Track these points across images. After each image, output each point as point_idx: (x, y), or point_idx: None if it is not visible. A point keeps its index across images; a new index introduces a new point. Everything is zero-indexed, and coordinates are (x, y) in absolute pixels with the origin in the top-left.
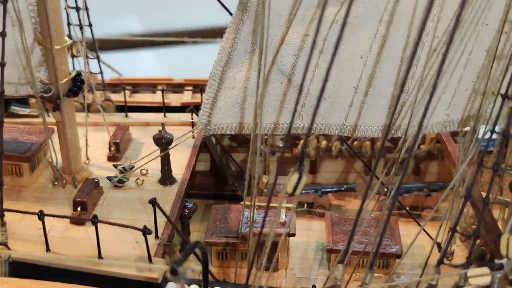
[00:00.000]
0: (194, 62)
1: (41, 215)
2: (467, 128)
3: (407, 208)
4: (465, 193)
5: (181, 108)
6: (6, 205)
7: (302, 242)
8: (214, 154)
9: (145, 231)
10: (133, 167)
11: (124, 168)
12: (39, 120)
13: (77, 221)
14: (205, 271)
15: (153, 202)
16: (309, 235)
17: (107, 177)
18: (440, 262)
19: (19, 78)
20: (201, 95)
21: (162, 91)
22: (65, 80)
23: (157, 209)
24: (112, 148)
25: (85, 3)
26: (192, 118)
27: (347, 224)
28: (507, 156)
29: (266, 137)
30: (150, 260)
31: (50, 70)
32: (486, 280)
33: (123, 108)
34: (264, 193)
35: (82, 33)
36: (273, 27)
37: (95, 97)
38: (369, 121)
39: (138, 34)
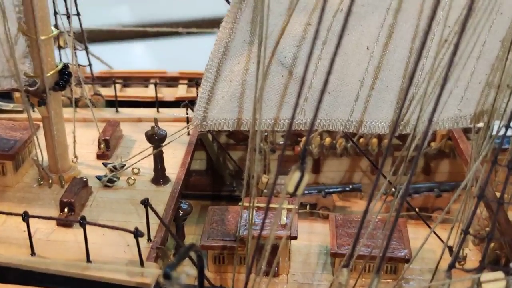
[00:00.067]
0: (189, 54)
1: (25, 217)
2: (481, 124)
3: (416, 209)
4: (478, 193)
5: (175, 103)
6: None
7: (305, 246)
8: (211, 152)
9: (137, 234)
10: (124, 165)
11: (114, 167)
12: (24, 115)
13: (64, 223)
14: (201, 276)
15: (145, 203)
16: (311, 238)
17: (96, 176)
18: (451, 266)
19: (2, 70)
20: (197, 89)
21: (155, 84)
22: (51, 72)
23: (149, 210)
24: (102, 146)
25: None
26: (187, 114)
27: (352, 226)
28: None
29: (266, 133)
30: (142, 264)
31: (35, 62)
32: (501, 285)
33: (114, 103)
34: (264, 194)
35: (69, 22)
36: (273, 16)
37: (83, 91)
38: (376, 116)
39: (130, 24)
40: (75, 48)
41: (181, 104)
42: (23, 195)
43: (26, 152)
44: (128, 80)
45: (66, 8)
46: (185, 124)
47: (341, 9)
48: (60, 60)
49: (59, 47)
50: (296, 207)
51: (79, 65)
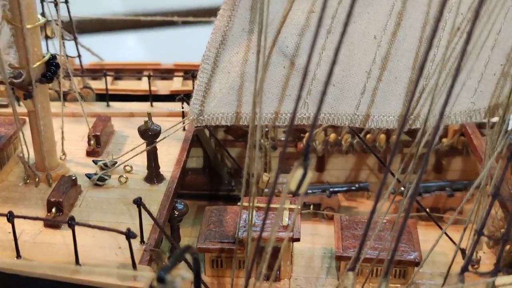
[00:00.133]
0: (185, 45)
1: (10, 217)
2: (495, 118)
3: (427, 209)
4: (493, 191)
5: (170, 97)
6: None
7: (308, 248)
8: (208, 149)
9: (129, 235)
10: (116, 163)
11: (105, 165)
12: (9, 110)
13: (51, 223)
14: (197, 280)
15: (138, 203)
16: (315, 240)
17: (86, 175)
18: (464, 269)
19: None
20: (193, 81)
21: (149, 77)
22: (38, 63)
23: (142, 211)
24: (92, 142)
25: None
26: (182, 108)
27: (359, 227)
28: None
29: (266, 129)
30: (134, 268)
31: (20, 52)
32: None
33: (104, 97)
34: (264, 193)
35: (57, 10)
36: (274, 2)
37: (72, 84)
38: (384, 110)
39: (122, 13)
40: (63, 38)
41: (176, 98)
42: (8, 194)
43: (11, 148)
44: (119, 72)
45: None
46: (180, 119)
47: None
48: (47, 50)
49: (46, 37)
50: (299, 207)
51: (67, 56)
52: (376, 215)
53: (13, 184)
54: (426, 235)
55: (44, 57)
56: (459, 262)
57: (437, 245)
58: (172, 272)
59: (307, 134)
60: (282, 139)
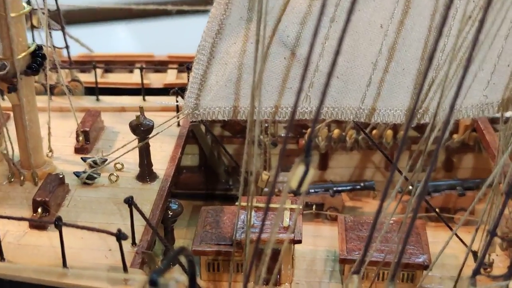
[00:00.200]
0: (179, 35)
1: None
2: (509, 113)
3: (437, 209)
4: (506, 189)
5: (164, 90)
6: None
7: (310, 251)
8: (204, 146)
9: (120, 236)
10: (106, 160)
11: (94, 162)
12: None
13: (37, 224)
14: (192, 285)
15: (130, 202)
16: (318, 242)
17: (74, 173)
18: (476, 272)
19: None
20: (188, 74)
21: (141, 69)
22: (23, 54)
23: (134, 211)
24: (81, 138)
25: None
26: (176, 102)
27: (364, 229)
28: None
29: (266, 124)
30: (125, 271)
31: (4, 42)
32: None
33: (94, 90)
34: (264, 192)
35: None
36: None
37: (59, 76)
38: (391, 103)
39: (112, 2)
40: (50, 28)
41: (170, 91)
42: None
43: None
44: (110, 64)
45: None
46: (174, 113)
47: None
48: (33, 41)
49: (32, 27)
50: (300, 207)
51: (54, 47)
52: (383, 216)
53: None
54: (436, 236)
55: (29, 47)
56: (471, 265)
57: (447, 247)
58: (165, 275)
59: (309, 130)
60: (282, 135)
